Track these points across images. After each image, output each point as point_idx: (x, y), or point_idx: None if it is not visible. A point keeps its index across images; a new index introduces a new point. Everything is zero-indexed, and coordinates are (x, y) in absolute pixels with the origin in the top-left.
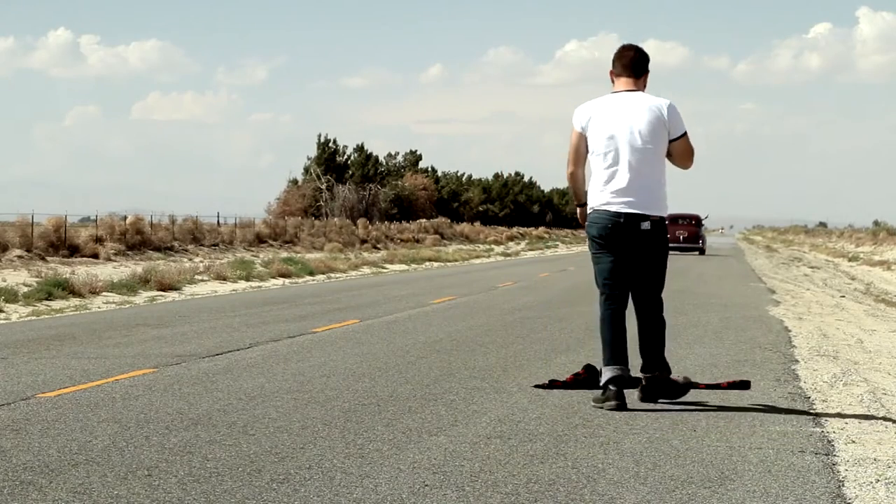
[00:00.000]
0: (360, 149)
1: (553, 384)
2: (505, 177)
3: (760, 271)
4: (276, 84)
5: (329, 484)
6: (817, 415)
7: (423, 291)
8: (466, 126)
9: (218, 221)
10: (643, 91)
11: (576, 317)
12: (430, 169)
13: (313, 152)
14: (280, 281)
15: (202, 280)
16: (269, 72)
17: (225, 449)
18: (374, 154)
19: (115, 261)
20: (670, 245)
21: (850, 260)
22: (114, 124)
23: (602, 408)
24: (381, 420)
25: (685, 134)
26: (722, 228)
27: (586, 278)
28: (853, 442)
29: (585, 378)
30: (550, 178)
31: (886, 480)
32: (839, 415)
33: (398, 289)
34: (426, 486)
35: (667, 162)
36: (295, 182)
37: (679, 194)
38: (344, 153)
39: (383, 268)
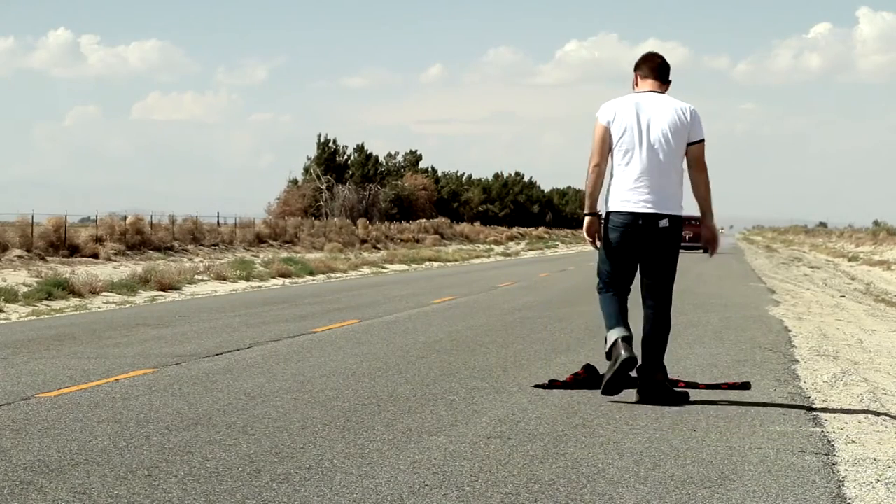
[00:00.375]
0: (360, 149)
1: (553, 384)
2: (505, 177)
3: (760, 271)
4: (276, 84)
5: (329, 484)
6: (817, 415)
7: (423, 291)
8: (466, 126)
9: (218, 221)
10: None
11: (576, 317)
12: (430, 169)
13: (313, 152)
14: (280, 281)
15: (202, 280)
16: (269, 72)
17: (225, 449)
18: (374, 154)
19: (115, 261)
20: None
21: (850, 260)
22: (114, 124)
23: (616, 367)
24: (381, 420)
25: (703, 141)
26: (722, 228)
27: (586, 278)
28: (853, 442)
29: (585, 378)
30: (550, 178)
31: (886, 480)
32: (839, 415)
33: (398, 289)
34: (426, 486)
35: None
36: (295, 182)
37: None
38: (344, 153)
39: (383, 268)
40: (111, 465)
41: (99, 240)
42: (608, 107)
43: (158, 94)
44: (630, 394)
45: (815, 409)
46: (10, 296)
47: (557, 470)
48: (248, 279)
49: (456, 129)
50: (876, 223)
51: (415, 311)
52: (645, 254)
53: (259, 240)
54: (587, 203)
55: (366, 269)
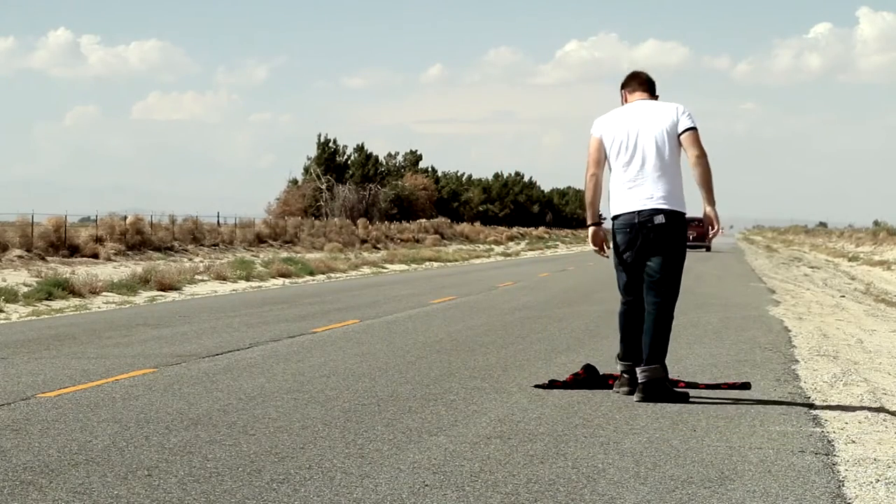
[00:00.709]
0: (360, 149)
1: (553, 384)
2: (505, 177)
3: (760, 271)
4: (276, 84)
5: (329, 484)
6: (817, 415)
7: (423, 291)
8: (466, 126)
9: (218, 221)
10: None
11: (576, 317)
12: (430, 169)
13: (313, 152)
14: (280, 281)
15: (202, 280)
16: (269, 72)
17: (225, 449)
18: (374, 154)
19: (115, 261)
20: None
21: (850, 260)
22: (114, 124)
23: (618, 392)
24: (381, 420)
25: (694, 129)
26: (722, 228)
27: (587, 278)
28: (853, 442)
29: (585, 378)
30: (550, 178)
31: (886, 480)
32: (839, 415)
33: (398, 289)
34: (426, 486)
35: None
36: (295, 182)
37: None
38: (344, 153)
39: (383, 268)
40: (111, 465)
41: (99, 240)
42: (600, 120)
43: (158, 94)
44: (629, 394)
45: (815, 409)
46: (11, 296)
47: (557, 470)
48: (248, 279)
49: (456, 129)
50: (876, 223)
51: (415, 311)
52: (646, 251)
53: (259, 240)
54: (588, 213)
55: (366, 269)
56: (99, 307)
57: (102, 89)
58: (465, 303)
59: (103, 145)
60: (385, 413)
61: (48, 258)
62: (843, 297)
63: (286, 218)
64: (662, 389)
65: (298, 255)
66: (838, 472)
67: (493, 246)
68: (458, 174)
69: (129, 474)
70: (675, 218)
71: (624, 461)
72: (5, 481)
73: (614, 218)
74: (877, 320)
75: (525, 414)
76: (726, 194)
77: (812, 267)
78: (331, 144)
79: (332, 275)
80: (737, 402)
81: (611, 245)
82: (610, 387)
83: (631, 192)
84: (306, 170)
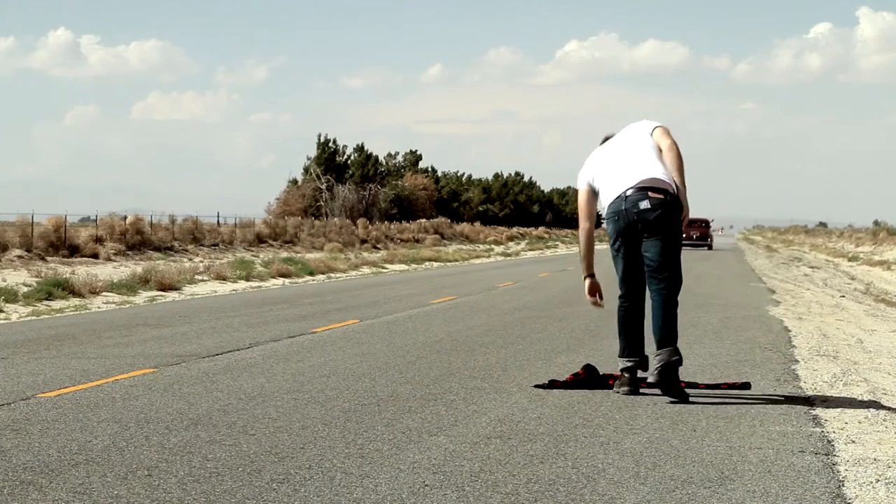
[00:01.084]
0: (360, 149)
1: (553, 384)
2: (505, 177)
3: (760, 271)
4: (276, 84)
5: (329, 484)
6: (817, 415)
7: (423, 291)
8: (466, 126)
9: (218, 221)
10: None
11: (576, 317)
12: (430, 169)
13: (313, 152)
14: (280, 281)
15: (202, 280)
16: (269, 72)
17: (225, 449)
18: (374, 154)
19: (115, 261)
20: (685, 242)
21: (849, 260)
22: (114, 124)
23: (618, 392)
24: (381, 420)
25: (664, 126)
26: (721, 228)
27: None
28: (853, 442)
29: (585, 378)
30: (550, 178)
31: (886, 480)
32: (839, 415)
33: (398, 289)
34: (426, 486)
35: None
36: (295, 182)
37: None
38: (344, 153)
39: (383, 268)
40: (111, 465)
41: (99, 240)
42: (583, 169)
43: (158, 94)
44: (630, 394)
45: (815, 409)
46: (10, 296)
47: (557, 470)
48: (248, 279)
49: (456, 129)
50: (876, 223)
51: (415, 311)
52: (639, 237)
53: (259, 240)
54: (584, 266)
55: (366, 269)
56: (99, 307)
57: (102, 89)
58: (465, 303)
59: (103, 145)
60: (385, 413)
61: (48, 258)
62: (843, 297)
63: (286, 218)
64: (676, 376)
65: (298, 255)
66: (838, 472)
67: (493, 246)
68: (458, 174)
69: (129, 474)
70: (663, 204)
71: (624, 461)
72: (5, 481)
73: (606, 213)
74: (877, 320)
75: (525, 414)
76: (726, 194)
77: (812, 267)
78: (331, 144)
79: (332, 275)
80: (737, 402)
81: (604, 296)
82: (610, 387)
83: (615, 185)
84: (306, 170)
